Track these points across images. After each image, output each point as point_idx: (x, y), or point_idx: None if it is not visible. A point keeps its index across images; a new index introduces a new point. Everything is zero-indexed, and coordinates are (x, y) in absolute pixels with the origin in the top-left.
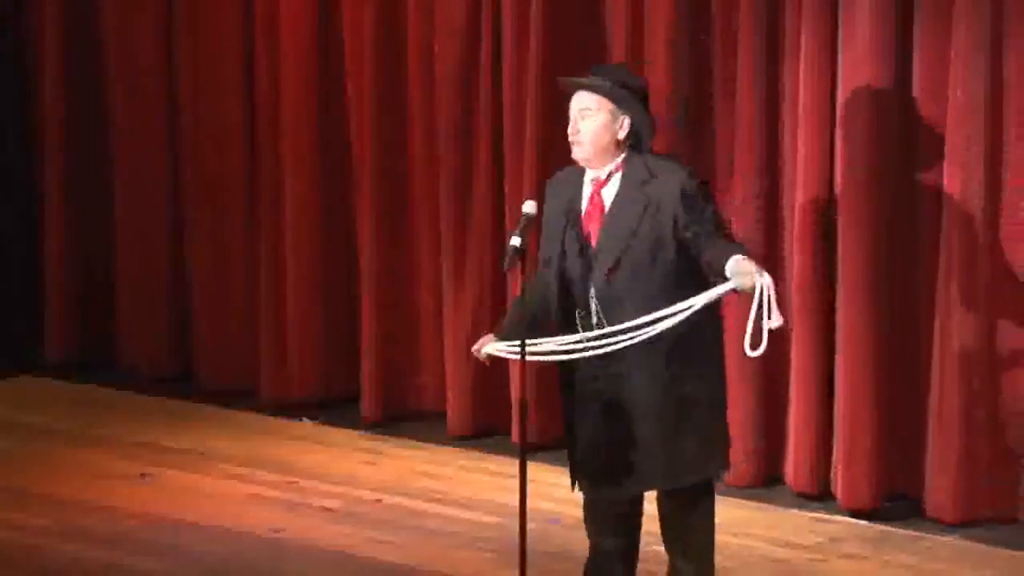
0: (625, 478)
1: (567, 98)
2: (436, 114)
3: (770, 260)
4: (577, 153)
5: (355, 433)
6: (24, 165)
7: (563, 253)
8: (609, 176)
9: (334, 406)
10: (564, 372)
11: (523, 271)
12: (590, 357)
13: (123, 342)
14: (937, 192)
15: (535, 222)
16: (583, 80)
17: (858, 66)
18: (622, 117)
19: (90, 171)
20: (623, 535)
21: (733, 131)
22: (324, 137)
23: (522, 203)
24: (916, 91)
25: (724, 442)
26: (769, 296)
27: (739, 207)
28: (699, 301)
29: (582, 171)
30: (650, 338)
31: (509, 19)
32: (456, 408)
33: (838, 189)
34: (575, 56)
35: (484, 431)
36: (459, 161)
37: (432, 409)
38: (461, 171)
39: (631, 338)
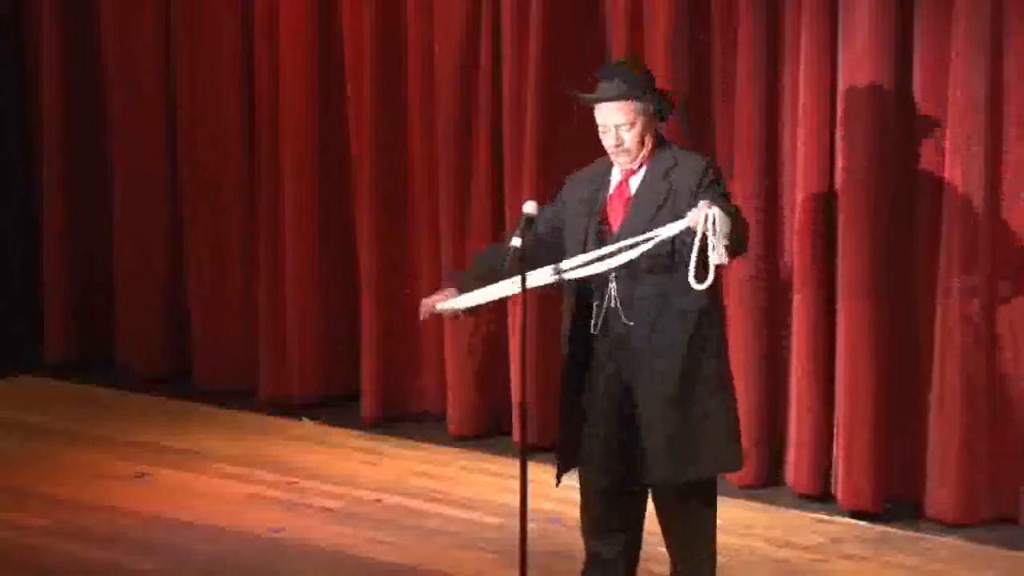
0: (636, 471)
1: (593, 108)
2: (436, 114)
3: (770, 260)
4: (622, 159)
5: (355, 433)
6: (23, 165)
7: (584, 244)
8: (640, 166)
9: (334, 405)
10: (570, 371)
11: (523, 271)
12: (602, 358)
13: (122, 342)
14: (937, 192)
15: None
16: (618, 91)
17: (858, 66)
18: (651, 110)
19: (89, 171)
20: (622, 540)
21: (733, 131)
22: (324, 137)
23: (522, 203)
24: (916, 91)
25: (734, 441)
26: (712, 228)
27: (739, 207)
28: (663, 233)
29: (610, 164)
30: (662, 337)
31: (509, 19)
32: (457, 408)
33: (838, 189)
34: (575, 56)
35: (485, 431)
36: (459, 161)
37: (432, 409)
38: (461, 171)
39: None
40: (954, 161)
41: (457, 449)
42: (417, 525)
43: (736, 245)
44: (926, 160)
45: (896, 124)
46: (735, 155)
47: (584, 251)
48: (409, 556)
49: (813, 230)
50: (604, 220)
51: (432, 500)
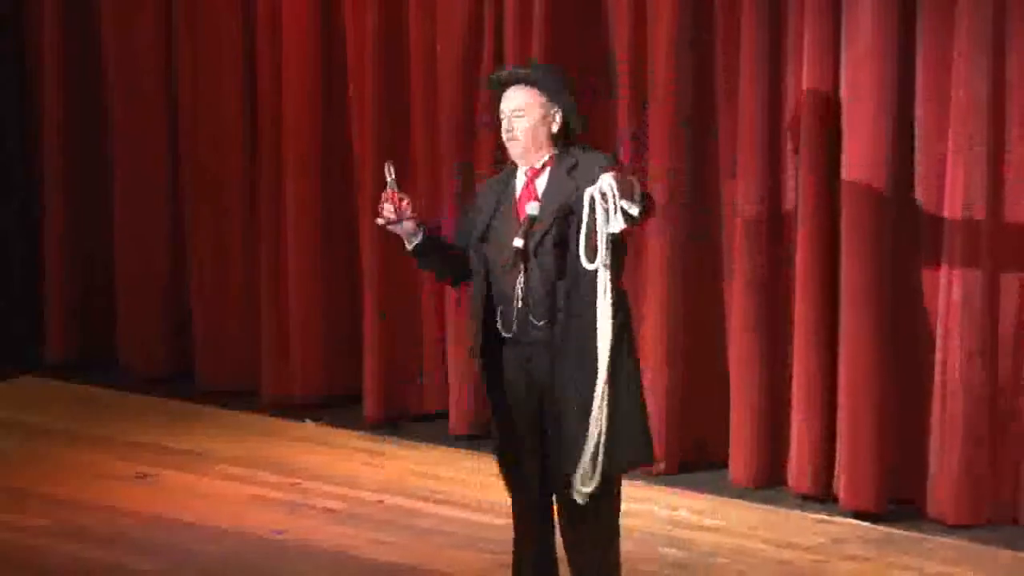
0: (556, 473)
1: (496, 99)
2: (438, 114)
3: (772, 259)
4: (514, 149)
5: (357, 434)
6: (24, 165)
7: (486, 243)
8: (543, 167)
9: (335, 406)
10: (489, 378)
11: (525, 270)
12: (516, 363)
13: (123, 342)
14: (939, 192)
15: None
16: (518, 72)
17: (860, 65)
18: (554, 110)
19: (90, 171)
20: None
21: (736, 131)
22: (326, 137)
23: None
24: (918, 91)
25: (647, 434)
26: (605, 199)
27: (741, 207)
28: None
29: (515, 169)
30: (576, 338)
31: (511, 19)
32: (458, 408)
33: (840, 189)
34: (577, 56)
35: (487, 432)
36: (461, 161)
37: (434, 409)
38: (463, 171)
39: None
40: (956, 161)
41: (459, 449)
42: (418, 525)
43: (640, 206)
44: (928, 160)
45: (898, 124)
46: (738, 155)
47: (489, 252)
48: (410, 556)
49: (815, 230)
50: (515, 219)
51: (434, 500)
